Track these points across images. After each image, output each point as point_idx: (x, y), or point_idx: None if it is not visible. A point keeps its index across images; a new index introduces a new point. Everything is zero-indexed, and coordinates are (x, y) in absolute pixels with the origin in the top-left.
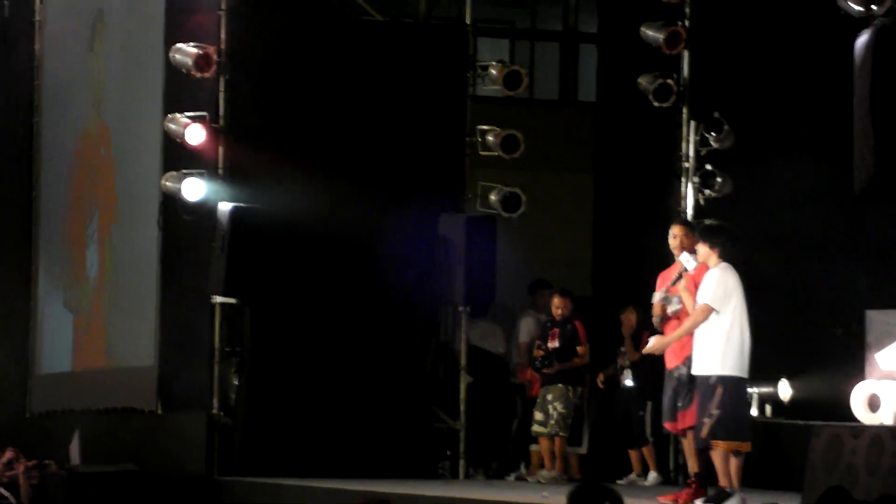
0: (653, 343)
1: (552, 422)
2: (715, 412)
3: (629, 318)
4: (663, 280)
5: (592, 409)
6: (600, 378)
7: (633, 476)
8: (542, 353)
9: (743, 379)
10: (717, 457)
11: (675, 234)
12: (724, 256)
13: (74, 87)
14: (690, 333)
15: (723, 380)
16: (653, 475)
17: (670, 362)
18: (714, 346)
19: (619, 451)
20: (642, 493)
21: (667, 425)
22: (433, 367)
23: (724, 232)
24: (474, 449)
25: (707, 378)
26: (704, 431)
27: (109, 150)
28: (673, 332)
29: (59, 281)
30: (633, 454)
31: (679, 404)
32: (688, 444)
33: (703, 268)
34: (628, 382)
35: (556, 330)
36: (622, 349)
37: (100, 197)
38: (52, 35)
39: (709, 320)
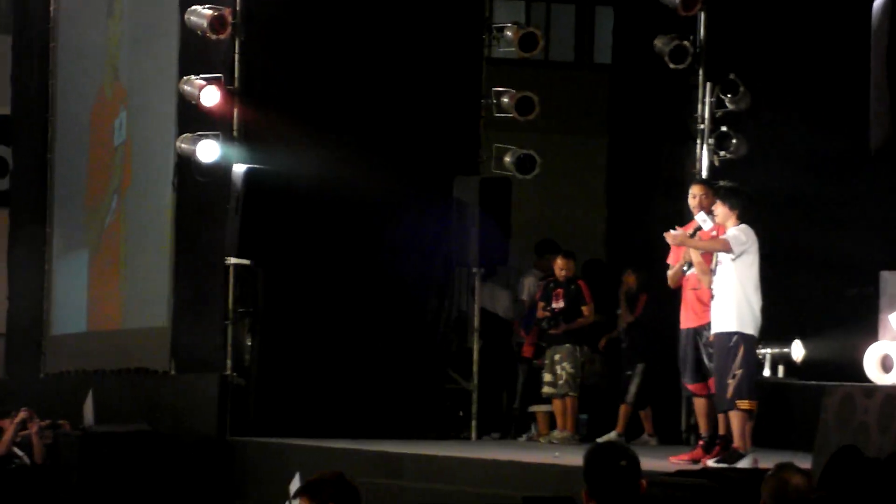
0: (675, 233)
1: (561, 382)
2: (738, 372)
3: (627, 281)
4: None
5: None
6: (602, 342)
7: (613, 434)
8: (547, 313)
9: (756, 338)
10: (735, 417)
11: (694, 195)
12: (743, 218)
13: (90, 50)
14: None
15: (744, 338)
16: (645, 437)
17: (690, 321)
18: (733, 304)
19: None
20: (653, 453)
21: (691, 387)
22: (445, 328)
23: (744, 194)
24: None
25: (729, 336)
26: (730, 392)
27: (125, 112)
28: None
29: (75, 243)
30: (621, 411)
31: (709, 365)
32: (700, 405)
33: (721, 229)
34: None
35: (561, 290)
36: (619, 311)
37: (115, 161)
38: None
39: (727, 278)
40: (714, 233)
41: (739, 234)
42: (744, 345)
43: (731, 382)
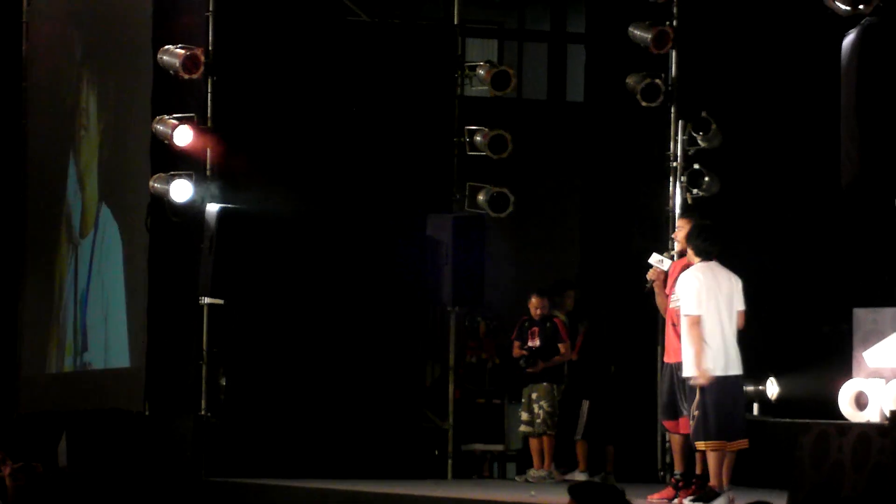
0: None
1: (538, 421)
2: (695, 413)
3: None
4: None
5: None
6: None
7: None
8: (524, 352)
9: (727, 377)
10: (711, 456)
11: (679, 227)
12: (702, 255)
13: (64, 88)
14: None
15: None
16: (577, 473)
17: (670, 356)
18: (685, 346)
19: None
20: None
21: (665, 423)
22: (421, 367)
23: (701, 232)
24: None
25: (687, 380)
26: (691, 430)
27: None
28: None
29: (47, 284)
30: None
31: (683, 406)
32: (675, 442)
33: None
34: None
35: (536, 329)
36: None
37: (88, 199)
38: (39, 37)
39: (686, 323)
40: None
41: (689, 296)
42: (701, 387)
43: (691, 424)
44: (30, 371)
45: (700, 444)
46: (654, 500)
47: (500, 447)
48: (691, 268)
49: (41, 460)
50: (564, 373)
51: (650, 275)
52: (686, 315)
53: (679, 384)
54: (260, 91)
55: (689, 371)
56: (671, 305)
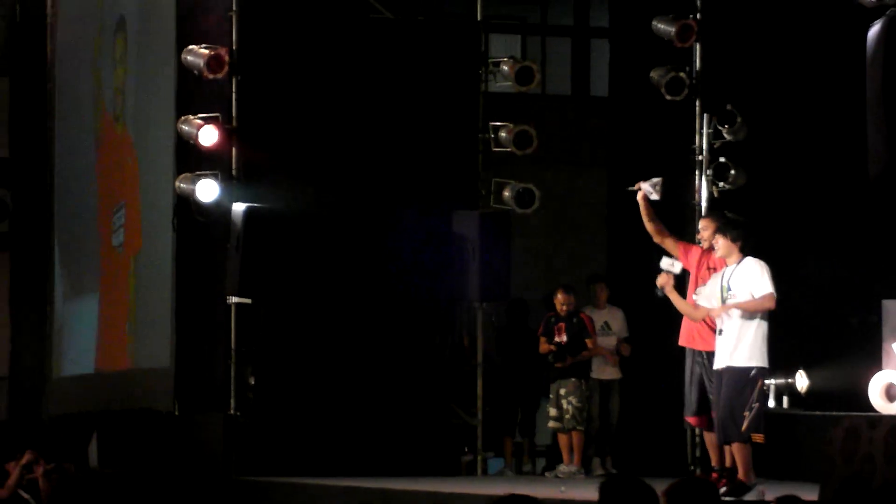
0: (716, 309)
1: (567, 416)
2: (755, 405)
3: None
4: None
5: None
6: None
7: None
8: (552, 348)
9: (768, 370)
10: (740, 449)
11: (704, 227)
12: (745, 250)
13: (89, 91)
14: (711, 323)
15: (762, 372)
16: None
17: (695, 343)
18: (754, 337)
19: None
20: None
21: (692, 420)
22: (449, 363)
23: (740, 225)
24: None
25: (748, 370)
26: (745, 424)
27: (130, 155)
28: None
29: (83, 284)
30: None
31: (711, 398)
32: (709, 438)
33: (722, 262)
34: None
35: (563, 324)
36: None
37: (120, 199)
38: (65, 38)
39: (744, 312)
40: (712, 267)
41: (769, 278)
42: (762, 379)
43: (748, 415)
44: (58, 372)
45: (758, 438)
46: None
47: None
48: (751, 258)
49: (72, 461)
50: (590, 367)
51: (659, 281)
52: (771, 293)
53: (708, 378)
54: (284, 90)
55: (745, 360)
56: (696, 297)
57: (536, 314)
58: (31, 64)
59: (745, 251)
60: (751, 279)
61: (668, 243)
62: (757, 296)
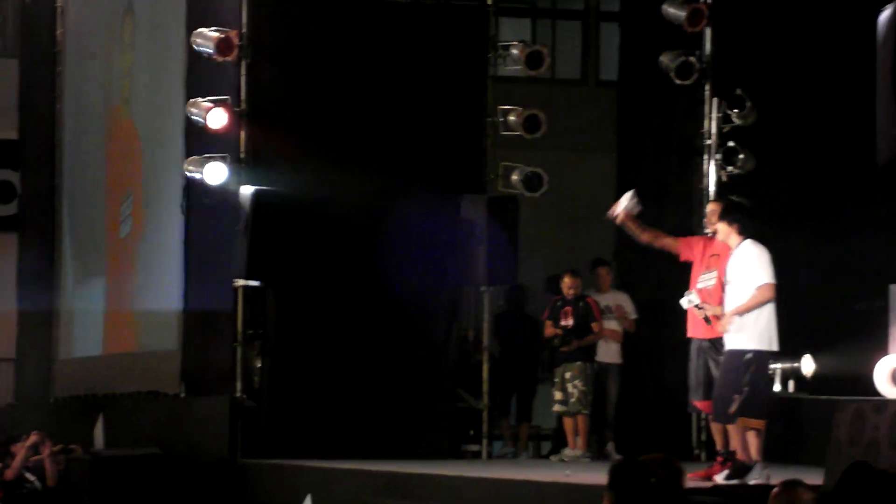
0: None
1: (573, 400)
2: (746, 388)
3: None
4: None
5: None
6: None
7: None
8: (558, 331)
9: (772, 353)
10: (735, 431)
11: (712, 210)
12: (744, 233)
13: (98, 75)
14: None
15: (760, 355)
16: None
17: (699, 332)
18: (755, 321)
19: None
20: None
21: (699, 405)
22: (455, 347)
23: (741, 209)
24: None
25: (742, 353)
26: (733, 408)
27: (136, 138)
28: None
29: (91, 267)
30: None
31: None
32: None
33: (725, 246)
34: None
35: (569, 308)
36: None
37: (128, 184)
38: (75, 22)
39: (741, 296)
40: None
41: (767, 264)
42: (756, 363)
43: (737, 398)
44: (65, 353)
45: (753, 422)
46: (694, 479)
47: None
48: (748, 242)
49: (79, 443)
50: (595, 351)
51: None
52: (767, 283)
53: (715, 363)
54: (293, 73)
55: (741, 343)
56: (702, 285)
57: (542, 300)
58: (41, 47)
59: (746, 235)
60: (747, 267)
61: (668, 243)
62: (753, 287)
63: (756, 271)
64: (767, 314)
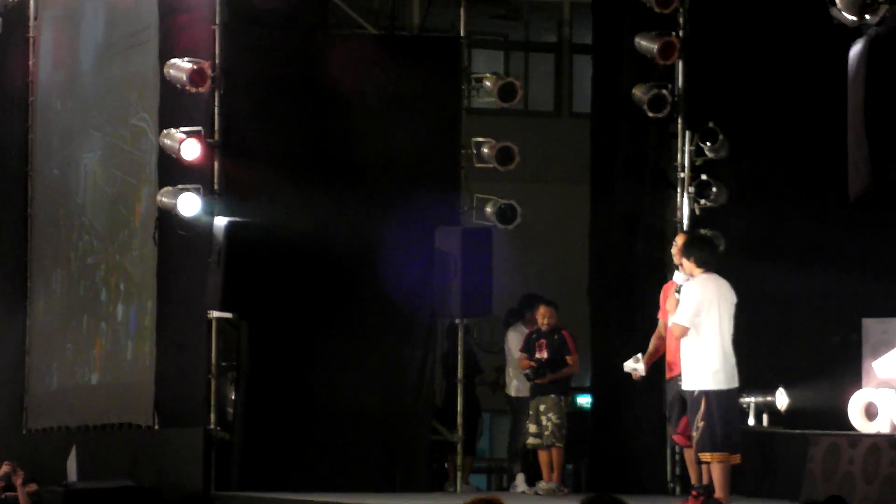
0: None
1: (547, 433)
2: (700, 424)
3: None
4: (665, 293)
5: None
6: None
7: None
8: (532, 364)
9: (728, 390)
10: (716, 468)
11: (676, 243)
12: (703, 266)
13: (70, 104)
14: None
15: (705, 393)
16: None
17: (677, 370)
18: (693, 361)
19: None
20: None
21: (676, 438)
22: (430, 380)
23: (698, 242)
24: None
25: (692, 392)
26: (694, 445)
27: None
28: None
29: (54, 298)
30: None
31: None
32: (689, 455)
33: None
34: None
35: (544, 341)
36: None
37: (96, 211)
38: (47, 51)
39: (688, 336)
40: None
41: (686, 306)
42: (706, 399)
43: (695, 435)
44: (38, 387)
45: (706, 456)
46: None
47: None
48: (696, 279)
49: (51, 475)
50: (570, 384)
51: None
52: (675, 323)
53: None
54: (266, 104)
55: (690, 384)
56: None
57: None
58: (13, 76)
59: (705, 268)
60: (679, 303)
61: (661, 333)
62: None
63: (678, 309)
64: (715, 353)
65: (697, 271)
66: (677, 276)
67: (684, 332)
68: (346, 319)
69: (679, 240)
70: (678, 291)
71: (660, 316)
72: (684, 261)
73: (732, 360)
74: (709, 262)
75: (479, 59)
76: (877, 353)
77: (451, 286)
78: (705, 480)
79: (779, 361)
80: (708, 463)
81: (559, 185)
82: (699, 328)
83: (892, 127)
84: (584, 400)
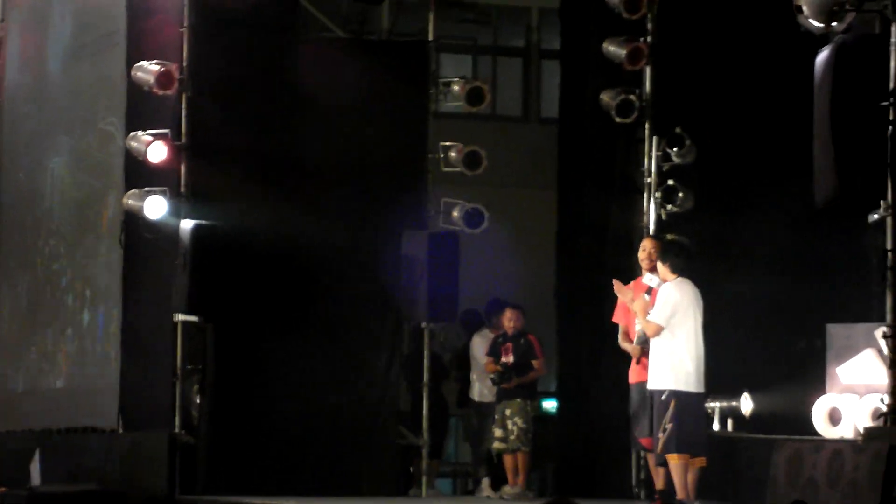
0: (624, 288)
1: (513, 437)
2: (668, 426)
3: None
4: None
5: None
6: None
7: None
8: (498, 368)
9: (697, 394)
10: (673, 470)
11: (644, 248)
12: (678, 271)
13: (38, 107)
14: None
15: (675, 394)
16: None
17: (641, 376)
18: (665, 361)
19: None
20: None
21: (644, 441)
22: (396, 383)
23: (674, 247)
24: None
25: (661, 392)
26: (660, 446)
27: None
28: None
29: (20, 300)
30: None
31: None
32: (653, 459)
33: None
34: None
35: (510, 344)
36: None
37: (63, 216)
38: (14, 54)
39: (661, 337)
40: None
41: (664, 307)
42: (675, 400)
43: (662, 437)
44: (3, 390)
45: (672, 458)
46: None
47: None
48: (674, 282)
49: (14, 478)
50: (536, 388)
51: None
52: (653, 322)
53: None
54: (234, 107)
55: (659, 384)
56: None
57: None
58: None
59: (678, 273)
60: (656, 303)
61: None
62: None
63: (655, 310)
64: (689, 355)
65: (671, 276)
66: (650, 280)
67: (659, 330)
68: (311, 323)
69: (647, 244)
70: (648, 293)
71: (617, 320)
72: (659, 265)
73: (702, 365)
74: (684, 268)
75: (448, 64)
76: (841, 358)
77: (417, 290)
78: (661, 485)
79: (743, 366)
80: (673, 464)
81: (526, 189)
82: (674, 329)
83: (858, 134)
84: (550, 404)
